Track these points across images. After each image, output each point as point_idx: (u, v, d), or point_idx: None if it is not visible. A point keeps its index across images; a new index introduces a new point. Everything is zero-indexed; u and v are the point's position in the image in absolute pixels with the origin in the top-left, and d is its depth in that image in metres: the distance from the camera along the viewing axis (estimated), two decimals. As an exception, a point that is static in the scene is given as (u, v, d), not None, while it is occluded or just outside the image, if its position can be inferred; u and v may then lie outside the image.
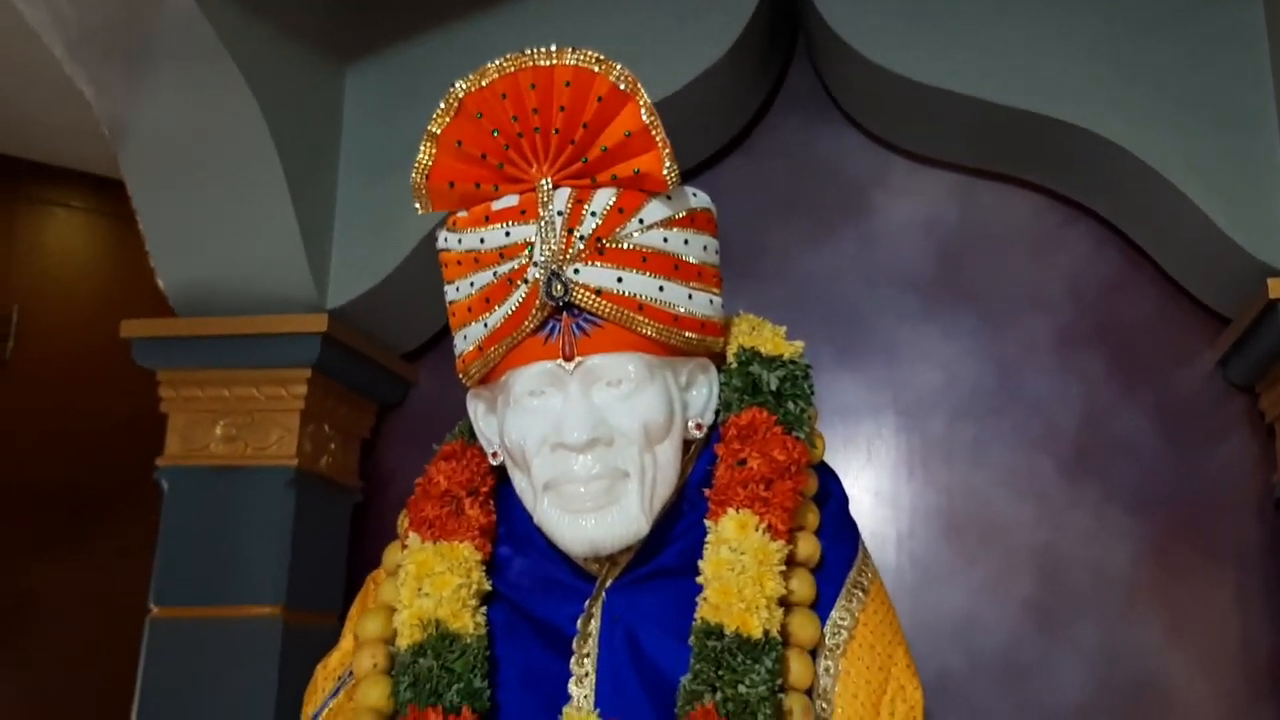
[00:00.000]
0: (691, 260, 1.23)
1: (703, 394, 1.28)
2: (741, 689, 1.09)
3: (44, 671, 3.65)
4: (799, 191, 2.86)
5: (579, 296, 1.16)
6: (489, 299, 1.20)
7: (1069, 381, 2.66)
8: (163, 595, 2.52)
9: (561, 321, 1.17)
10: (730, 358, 1.31)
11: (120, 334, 2.62)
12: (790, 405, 1.26)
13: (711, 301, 1.26)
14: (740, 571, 1.14)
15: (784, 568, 1.17)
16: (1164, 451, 2.58)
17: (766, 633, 1.12)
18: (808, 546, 1.22)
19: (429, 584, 1.22)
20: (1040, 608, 2.57)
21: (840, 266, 2.80)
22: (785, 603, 1.17)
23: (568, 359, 1.17)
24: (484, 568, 1.25)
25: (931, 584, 2.61)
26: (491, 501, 1.31)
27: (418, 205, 1.23)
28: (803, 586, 1.20)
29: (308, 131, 2.58)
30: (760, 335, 1.32)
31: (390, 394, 2.89)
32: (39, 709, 3.69)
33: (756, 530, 1.17)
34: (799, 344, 1.33)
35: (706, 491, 1.22)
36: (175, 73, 2.34)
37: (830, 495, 1.31)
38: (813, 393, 1.30)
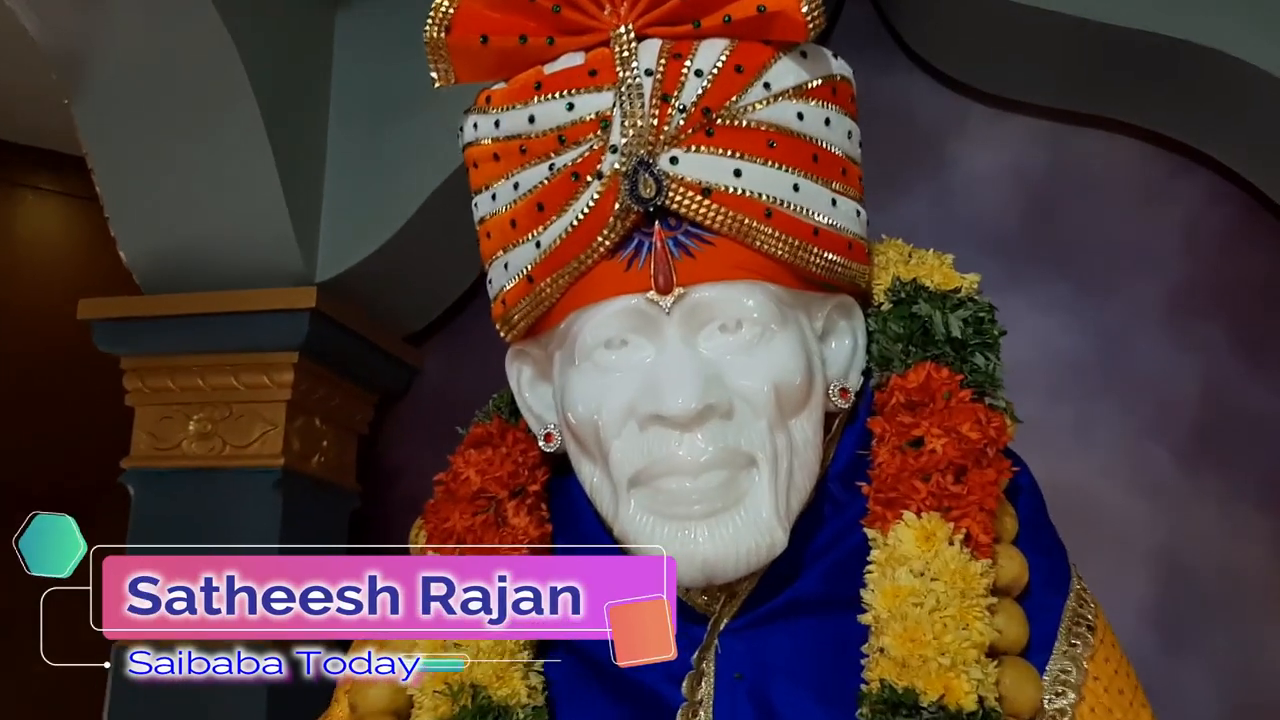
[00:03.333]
0: (835, 151, 0.90)
1: (845, 347, 0.91)
2: (955, 792, 0.71)
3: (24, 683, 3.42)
4: (863, 144, 2.51)
5: (678, 198, 0.80)
6: (542, 205, 0.83)
7: (1185, 354, 2.33)
8: (129, 618, 2.20)
9: (653, 236, 0.81)
10: (879, 295, 0.94)
11: (77, 316, 2.39)
12: (979, 359, 0.90)
13: (859, 213, 0.91)
14: (934, 608, 0.77)
15: (992, 600, 0.79)
16: (1303, 435, 2.27)
17: (982, 702, 0.75)
18: (1013, 566, 0.84)
19: (460, 629, 0.85)
20: (1160, 617, 2.23)
21: (913, 227, 2.38)
22: (993, 652, 0.79)
23: (663, 290, 0.81)
24: None
25: (1028, 589, 2.27)
26: (544, 505, 0.94)
27: (435, 74, 0.88)
28: (1012, 625, 0.82)
29: (291, 76, 2.32)
30: (922, 264, 0.97)
31: (392, 382, 2.63)
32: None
33: (951, 543, 0.79)
34: (974, 276, 0.97)
35: (864, 487, 0.85)
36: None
37: (1020, 489, 0.94)
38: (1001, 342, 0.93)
